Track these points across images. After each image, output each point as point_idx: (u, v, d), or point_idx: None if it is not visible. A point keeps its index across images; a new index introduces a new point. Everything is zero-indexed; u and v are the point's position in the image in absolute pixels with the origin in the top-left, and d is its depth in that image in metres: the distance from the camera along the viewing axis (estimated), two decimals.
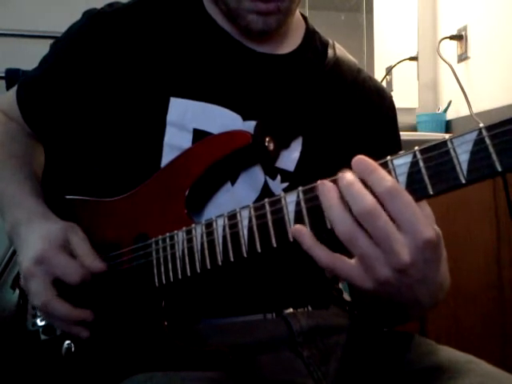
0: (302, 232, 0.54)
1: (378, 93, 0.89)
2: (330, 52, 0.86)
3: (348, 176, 0.51)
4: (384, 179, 0.49)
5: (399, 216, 0.49)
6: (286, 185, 0.77)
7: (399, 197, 0.49)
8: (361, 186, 0.50)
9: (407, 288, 0.54)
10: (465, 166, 0.47)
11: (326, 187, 0.52)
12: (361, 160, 0.51)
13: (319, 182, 0.54)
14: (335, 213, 0.51)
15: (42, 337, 0.81)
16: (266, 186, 0.77)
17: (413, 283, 0.53)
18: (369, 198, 0.49)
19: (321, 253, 0.53)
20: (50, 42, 0.89)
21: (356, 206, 0.50)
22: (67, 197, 0.84)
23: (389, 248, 0.50)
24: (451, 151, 0.47)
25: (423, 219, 0.50)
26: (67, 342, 0.78)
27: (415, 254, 0.50)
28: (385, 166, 0.51)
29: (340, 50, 0.89)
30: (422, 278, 0.53)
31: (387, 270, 0.51)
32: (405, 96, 2.27)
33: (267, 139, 0.74)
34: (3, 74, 1.56)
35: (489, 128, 0.46)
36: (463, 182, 0.47)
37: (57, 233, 0.74)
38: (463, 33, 2.13)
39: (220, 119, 0.77)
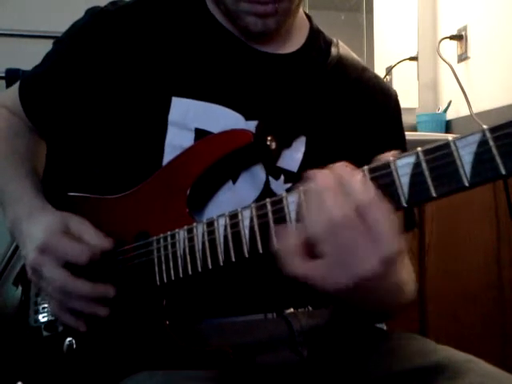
0: (283, 233, 0.55)
1: (382, 92, 0.89)
2: (334, 50, 0.86)
3: (322, 180, 0.52)
4: (363, 191, 0.50)
5: (373, 226, 0.50)
6: (289, 185, 0.77)
7: (375, 208, 0.49)
8: (333, 192, 0.51)
9: (369, 296, 0.56)
10: (468, 169, 0.47)
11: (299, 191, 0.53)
12: (341, 167, 0.52)
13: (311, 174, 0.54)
14: (308, 216, 0.52)
15: (44, 333, 0.81)
16: (267, 184, 0.77)
17: (373, 290, 0.55)
18: (342, 204, 0.50)
19: (292, 259, 0.53)
20: (50, 41, 0.89)
21: (329, 211, 0.50)
22: (69, 194, 0.84)
23: (358, 255, 0.50)
24: (454, 153, 0.47)
25: (393, 233, 0.50)
26: (69, 338, 0.79)
27: (384, 263, 0.51)
28: (387, 166, 0.51)
29: (344, 48, 0.89)
30: (383, 286, 0.55)
31: (356, 276, 0.51)
32: (405, 96, 2.25)
33: (269, 138, 0.74)
34: (3, 74, 1.56)
35: (492, 130, 0.45)
36: (466, 184, 0.47)
37: (56, 221, 0.74)
38: (463, 33, 2.12)
39: (222, 119, 0.77)
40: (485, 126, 0.46)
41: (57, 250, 0.72)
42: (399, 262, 0.54)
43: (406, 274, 0.75)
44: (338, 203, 0.50)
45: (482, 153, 0.46)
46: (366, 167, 0.52)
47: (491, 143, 0.45)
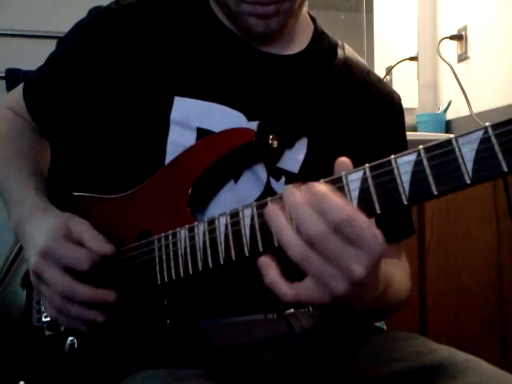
0: (268, 265, 0.54)
1: (386, 95, 0.89)
2: (340, 52, 0.86)
3: (293, 197, 0.51)
4: (339, 208, 0.49)
5: (354, 238, 0.50)
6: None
7: (354, 224, 0.49)
8: (308, 208, 0.50)
9: (360, 297, 0.56)
10: (470, 166, 0.46)
11: (273, 211, 0.53)
12: (314, 187, 0.51)
13: (269, 204, 0.54)
14: (285, 237, 0.52)
15: (47, 332, 0.81)
16: (268, 183, 0.77)
17: (364, 292, 0.56)
18: (317, 223, 0.50)
19: (284, 288, 0.53)
20: (51, 41, 0.89)
21: (305, 230, 0.50)
22: (73, 193, 0.84)
23: (343, 265, 0.50)
24: (456, 150, 0.47)
25: (374, 235, 0.50)
26: (70, 338, 0.79)
27: (370, 267, 0.51)
28: (388, 164, 0.51)
29: (349, 51, 0.88)
30: (372, 286, 0.56)
31: (344, 285, 0.51)
32: (405, 96, 2.25)
33: (271, 137, 0.73)
34: (3, 74, 1.56)
35: (495, 127, 0.45)
36: (468, 182, 0.47)
37: (58, 224, 0.74)
38: (463, 33, 2.12)
39: (224, 119, 0.77)
40: (487, 123, 0.45)
41: (58, 255, 0.71)
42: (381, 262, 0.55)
43: (397, 274, 0.76)
44: (312, 222, 0.50)
45: (484, 150, 0.45)
46: (367, 165, 0.52)
47: (493, 140, 0.45)
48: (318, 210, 0.50)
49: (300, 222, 0.50)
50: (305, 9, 0.86)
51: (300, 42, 0.85)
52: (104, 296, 0.72)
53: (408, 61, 2.27)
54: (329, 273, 0.51)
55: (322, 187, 0.51)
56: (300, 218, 0.50)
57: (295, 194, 0.51)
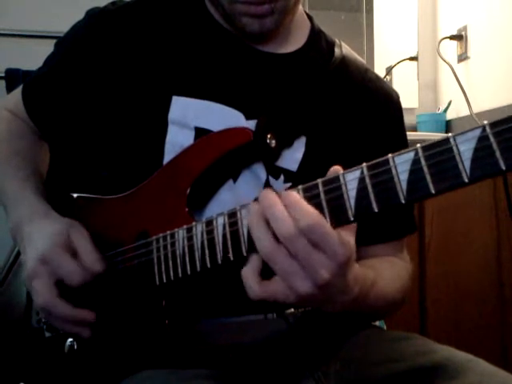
0: (252, 259, 0.57)
1: (385, 93, 0.89)
2: (337, 51, 0.86)
3: (270, 197, 0.54)
4: (306, 214, 0.52)
5: (320, 243, 0.53)
6: (289, 185, 0.77)
7: (320, 231, 0.52)
8: (281, 208, 0.53)
9: (329, 300, 0.59)
10: (468, 164, 0.46)
11: (253, 207, 0.56)
12: (287, 193, 0.54)
13: (251, 203, 0.57)
14: (257, 232, 0.55)
15: (47, 334, 0.82)
16: (267, 182, 0.76)
17: (333, 295, 0.58)
18: (289, 224, 0.53)
19: (252, 283, 0.57)
20: (51, 41, 0.89)
21: (277, 228, 0.53)
22: (71, 195, 0.84)
23: (309, 265, 0.53)
24: (454, 148, 0.47)
25: (340, 241, 0.53)
26: (70, 339, 0.79)
27: (335, 272, 0.54)
28: (386, 163, 0.51)
29: (347, 49, 0.88)
30: (342, 290, 0.58)
31: (308, 286, 0.54)
32: (405, 96, 2.25)
33: (269, 136, 0.73)
34: (3, 74, 1.56)
35: (493, 125, 0.45)
36: (466, 180, 0.46)
37: (59, 232, 0.74)
38: (463, 33, 2.12)
39: (222, 118, 0.76)
40: (485, 122, 0.45)
41: (54, 264, 0.72)
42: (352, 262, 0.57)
43: (386, 274, 0.76)
44: (284, 222, 0.53)
45: (481, 148, 0.45)
46: (364, 164, 0.52)
47: (491, 138, 0.45)
48: (290, 213, 0.53)
49: (273, 220, 0.53)
50: (301, 7, 0.86)
51: (297, 40, 0.85)
52: (82, 316, 0.73)
53: (408, 61, 2.27)
54: (294, 272, 0.54)
55: (296, 195, 0.54)
56: (273, 217, 0.53)
57: (271, 196, 0.54)
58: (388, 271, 0.78)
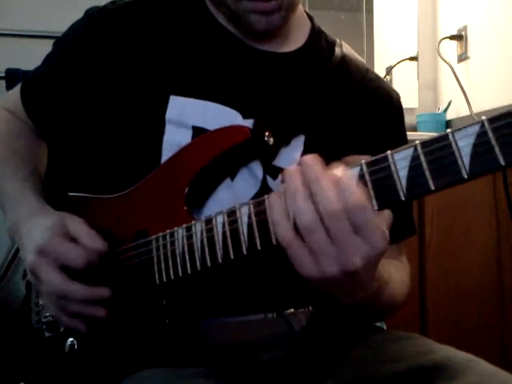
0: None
1: (385, 93, 0.89)
2: (338, 50, 0.86)
3: (316, 169, 0.52)
4: (354, 194, 0.50)
5: (364, 228, 0.51)
6: None
7: (366, 215, 0.50)
8: (329, 183, 0.51)
9: (350, 291, 0.58)
10: (467, 160, 0.46)
11: (293, 176, 0.54)
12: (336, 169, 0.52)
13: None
14: (299, 202, 0.52)
15: (46, 334, 0.81)
16: (264, 181, 0.76)
17: (355, 286, 0.57)
18: (336, 201, 0.50)
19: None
20: (51, 41, 0.89)
21: (322, 204, 0.51)
22: (69, 194, 0.84)
23: (344, 248, 0.51)
24: (453, 144, 0.47)
25: (382, 231, 0.52)
26: (70, 339, 0.78)
27: (368, 262, 0.52)
28: (385, 160, 0.51)
29: (347, 49, 0.88)
30: (365, 282, 0.57)
31: (336, 269, 0.52)
32: (405, 96, 2.26)
33: (266, 134, 0.73)
34: (3, 74, 1.56)
35: (491, 120, 0.45)
36: (465, 176, 0.46)
37: (54, 222, 0.74)
38: (463, 33, 2.12)
39: (220, 117, 0.76)
40: (483, 117, 0.45)
41: (54, 253, 0.72)
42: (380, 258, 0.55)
43: (395, 276, 0.75)
44: (331, 197, 0.51)
45: (480, 144, 0.45)
46: (363, 161, 0.52)
47: (490, 134, 0.45)
48: (338, 190, 0.51)
49: (319, 195, 0.51)
50: (301, 7, 0.86)
51: (297, 39, 0.85)
52: (98, 293, 0.72)
53: (408, 61, 2.27)
54: (327, 251, 0.52)
55: (344, 170, 0.52)
56: (321, 191, 0.51)
57: (317, 168, 0.53)
58: (395, 273, 0.78)
